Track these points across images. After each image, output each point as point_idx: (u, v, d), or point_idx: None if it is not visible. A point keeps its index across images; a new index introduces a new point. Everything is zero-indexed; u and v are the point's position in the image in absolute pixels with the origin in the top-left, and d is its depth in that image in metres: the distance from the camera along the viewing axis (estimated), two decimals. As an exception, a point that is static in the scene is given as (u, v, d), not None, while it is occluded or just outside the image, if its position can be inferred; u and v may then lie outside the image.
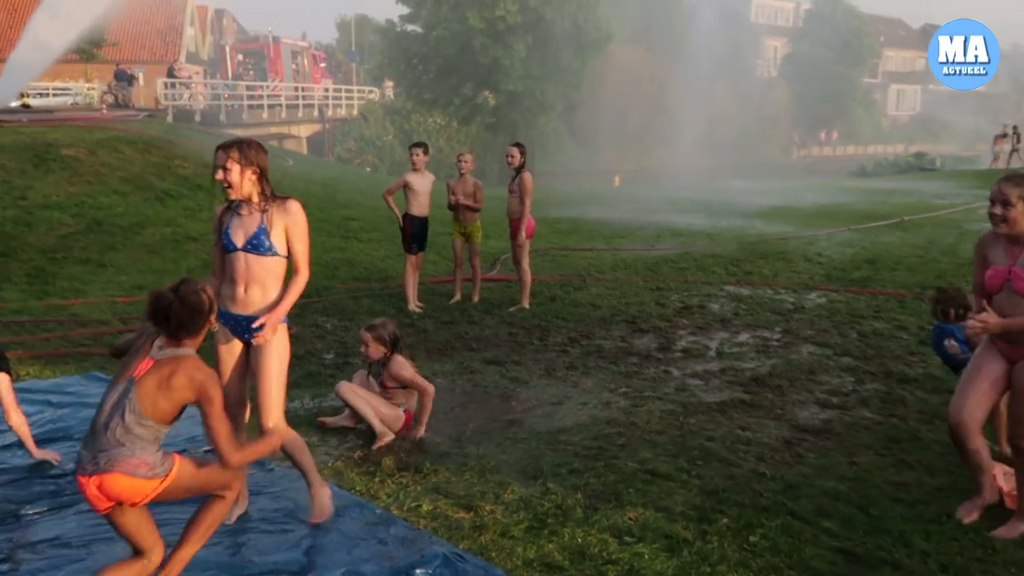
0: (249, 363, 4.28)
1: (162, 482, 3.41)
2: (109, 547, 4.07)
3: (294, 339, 7.80)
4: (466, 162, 9.63)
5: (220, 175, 4.08)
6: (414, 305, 9.48)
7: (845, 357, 7.80)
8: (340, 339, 8.41)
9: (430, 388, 5.77)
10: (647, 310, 9.63)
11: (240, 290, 4.15)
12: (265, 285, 4.14)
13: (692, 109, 47.14)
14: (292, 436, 4.35)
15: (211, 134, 26.60)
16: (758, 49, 66.38)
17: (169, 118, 28.45)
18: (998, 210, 4.20)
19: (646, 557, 4.11)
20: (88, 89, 35.01)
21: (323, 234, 13.57)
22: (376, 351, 5.77)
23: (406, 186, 9.50)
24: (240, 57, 47.85)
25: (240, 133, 31.40)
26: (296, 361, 7.58)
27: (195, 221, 14.04)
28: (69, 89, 34.16)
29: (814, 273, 11.92)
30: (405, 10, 38.21)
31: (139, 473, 3.34)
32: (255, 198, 4.13)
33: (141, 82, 35.70)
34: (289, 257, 4.18)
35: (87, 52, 34.83)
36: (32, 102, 27.46)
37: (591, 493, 4.80)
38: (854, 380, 7.11)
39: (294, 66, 49.59)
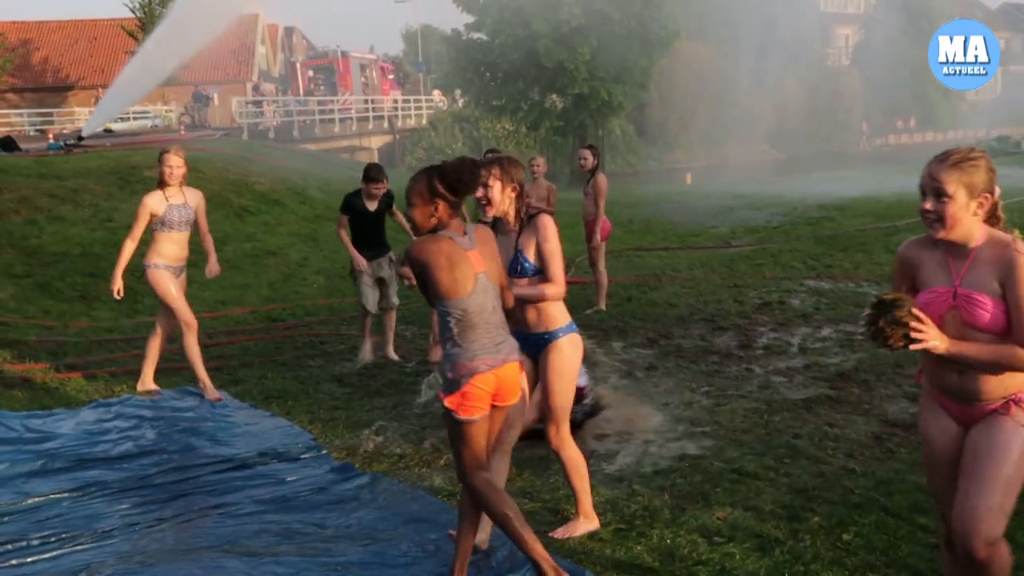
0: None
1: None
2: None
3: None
4: (539, 166, 9.65)
5: (480, 192, 4.02)
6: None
7: (933, 349, 7.59)
8: (420, 347, 8.48)
9: None
10: (725, 308, 9.52)
11: (517, 313, 4.03)
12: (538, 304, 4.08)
13: (762, 103, 46.47)
14: (575, 453, 4.30)
15: (285, 150, 27.15)
16: (829, 38, 65.11)
17: (244, 136, 29.07)
18: (930, 205, 2.97)
19: (737, 557, 4.07)
20: (166, 111, 36.11)
21: (398, 243, 13.69)
22: None
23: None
24: (311, 73, 48.71)
25: (313, 148, 32.06)
26: (377, 370, 7.72)
27: (274, 236, 14.33)
28: (148, 112, 35.31)
29: (897, 264, 11.62)
30: (470, 18, 38.36)
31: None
32: (511, 217, 4.12)
33: (216, 102, 36.66)
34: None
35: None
36: (114, 126, 28.41)
37: (678, 494, 4.77)
38: (944, 372, 6.91)
39: (363, 79, 50.30)
